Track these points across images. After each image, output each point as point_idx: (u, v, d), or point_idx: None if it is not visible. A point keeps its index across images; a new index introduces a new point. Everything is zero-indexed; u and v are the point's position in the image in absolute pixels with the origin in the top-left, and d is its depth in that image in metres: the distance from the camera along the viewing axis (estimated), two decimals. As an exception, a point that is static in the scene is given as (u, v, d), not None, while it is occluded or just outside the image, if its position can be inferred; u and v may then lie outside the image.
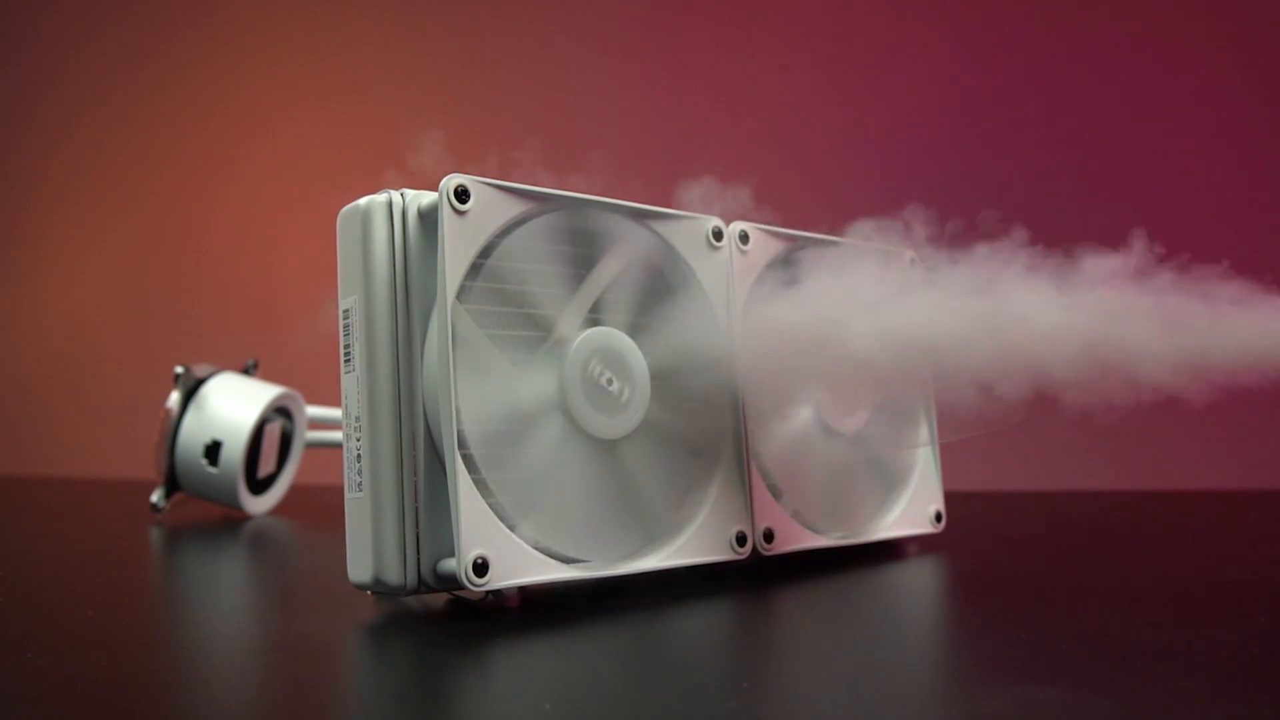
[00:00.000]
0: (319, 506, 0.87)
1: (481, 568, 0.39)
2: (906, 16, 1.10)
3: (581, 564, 0.43)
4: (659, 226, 0.47)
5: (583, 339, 0.43)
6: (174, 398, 0.80)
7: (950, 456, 0.58)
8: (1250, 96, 0.98)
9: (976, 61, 1.07)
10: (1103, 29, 1.02)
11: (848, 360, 0.42)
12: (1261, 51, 0.98)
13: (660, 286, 0.47)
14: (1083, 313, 0.38)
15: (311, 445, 0.88)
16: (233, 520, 0.80)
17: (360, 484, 0.41)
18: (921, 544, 0.58)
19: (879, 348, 0.41)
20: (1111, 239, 0.38)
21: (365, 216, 0.42)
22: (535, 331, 0.43)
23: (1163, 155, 1.00)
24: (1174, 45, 1.00)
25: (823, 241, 0.54)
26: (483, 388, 0.41)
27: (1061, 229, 0.38)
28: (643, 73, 1.20)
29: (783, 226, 0.52)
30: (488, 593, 0.42)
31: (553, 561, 0.42)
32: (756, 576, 0.49)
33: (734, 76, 1.18)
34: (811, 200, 1.06)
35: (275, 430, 0.83)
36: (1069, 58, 1.04)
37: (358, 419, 0.41)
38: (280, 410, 0.84)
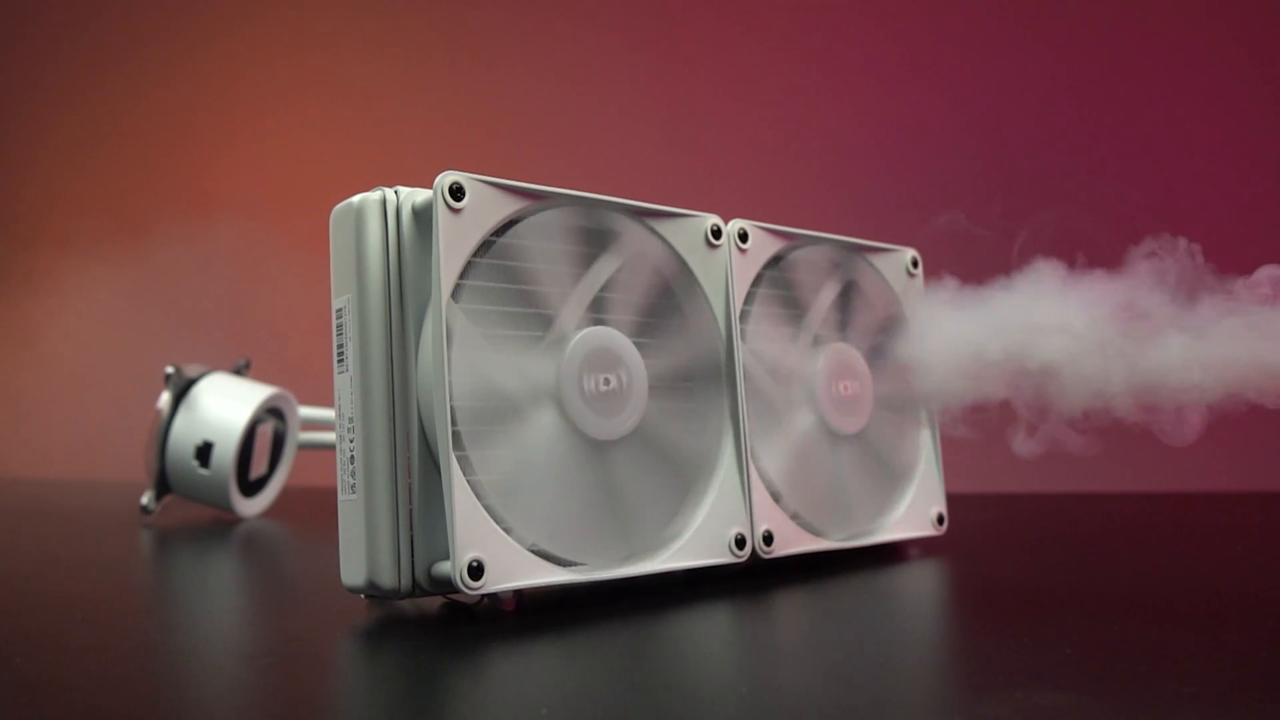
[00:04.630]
0: (312, 509, 0.87)
1: (477, 571, 0.38)
2: (916, 11, 1.09)
3: (578, 567, 0.42)
4: (657, 224, 0.47)
5: (579, 339, 0.43)
6: (164, 398, 0.79)
7: (952, 458, 0.58)
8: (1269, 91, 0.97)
9: (986, 56, 1.07)
10: (1120, 21, 1.01)
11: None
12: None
13: (658, 285, 0.47)
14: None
15: (304, 447, 0.87)
16: (224, 523, 0.79)
17: (354, 486, 0.40)
18: (923, 546, 0.58)
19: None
20: (1124, 236, 0.37)
21: (359, 214, 0.41)
22: (532, 331, 0.42)
23: (1179, 152, 1.00)
24: (1191, 39, 1.00)
25: (822, 240, 0.54)
26: (478, 388, 0.40)
27: (1073, 227, 0.38)
28: (644, 68, 1.20)
29: (784, 225, 0.52)
30: (483, 596, 0.42)
31: (549, 564, 0.41)
32: (755, 579, 0.48)
33: (738, 71, 1.17)
34: (817, 197, 1.06)
35: (267, 431, 0.83)
36: (1082, 50, 1.04)
37: (351, 420, 0.41)
38: (272, 411, 0.83)
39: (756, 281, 0.50)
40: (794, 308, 0.53)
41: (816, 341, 0.53)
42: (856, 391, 0.53)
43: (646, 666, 0.35)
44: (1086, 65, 1.03)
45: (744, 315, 0.49)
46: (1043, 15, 1.05)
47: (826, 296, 0.53)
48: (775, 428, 0.50)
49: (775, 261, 0.52)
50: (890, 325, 0.56)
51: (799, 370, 0.51)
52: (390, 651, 0.38)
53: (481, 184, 0.41)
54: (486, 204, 0.41)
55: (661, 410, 0.45)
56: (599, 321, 0.44)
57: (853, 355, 0.54)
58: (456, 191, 0.40)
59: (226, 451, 0.78)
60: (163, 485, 0.80)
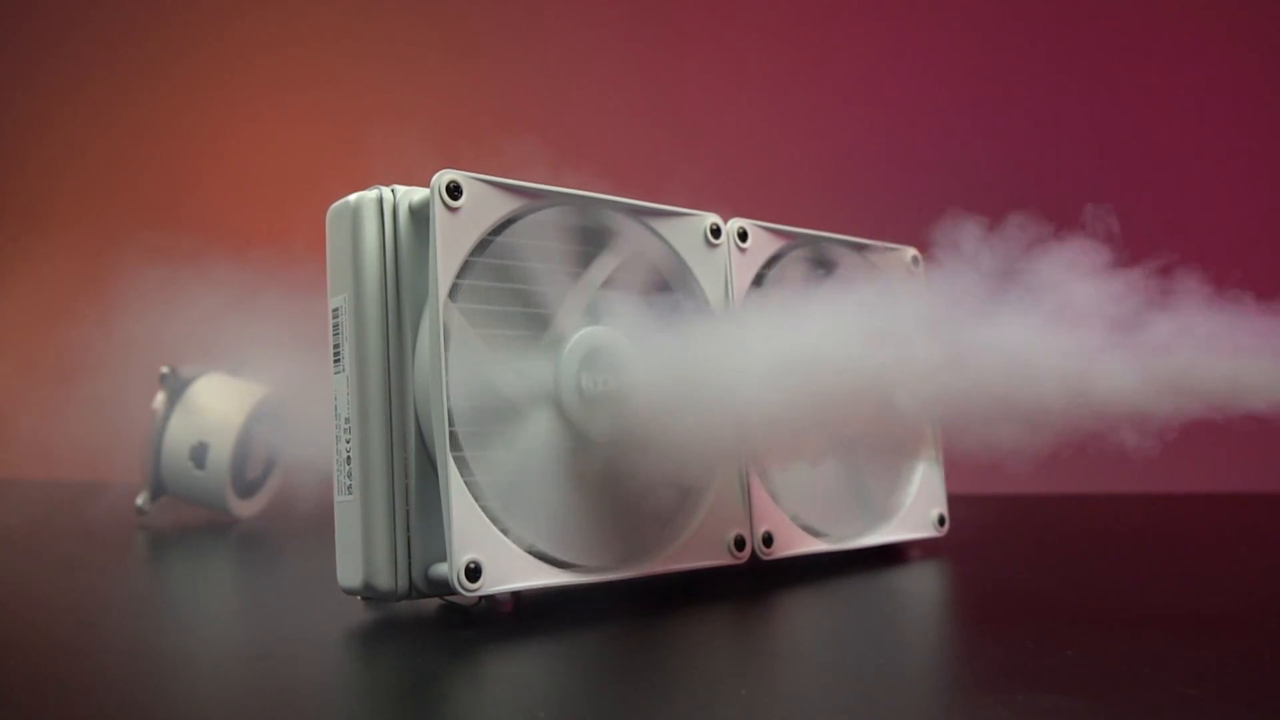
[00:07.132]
0: (308, 510, 0.86)
1: (474, 572, 0.38)
2: (918, 9, 1.09)
3: (576, 568, 0.42)
4: (656, 224, 0.46)
5: (578, 338, 0.43)
6: (160, 399, 0.79)
7: (953, 458, 0.58)
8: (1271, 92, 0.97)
9: (985, 51, 1.06)
10: (1124, 20, 1.01)
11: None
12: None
13: (657, 285, 0.47)
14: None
15: (301, 447, 0.87)
16: (220, 524, 0.79)
17: (350, 487, 0.40)
18: (924, 548, 0.57)
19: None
20: (1122, 239, 0.37)
21: (355, 213, 0.41)
22: (530, 330, 0.42)
23: (1180, 150, 0.99)
24: (1194, 37, 0.99)
25: (822, 239, 0.53)
26: (476, 388, 0.40)
27: (1070, 226, 0.38)
28: (641, 62, 1.19)
29: (783, 224, 0.52)
30: (480, 598, 0.41)
31: (547, 566, 0.41)
32: (755, 581, 0.48)
33: (735, 67, 1.17)
34: (814, 196, 1.06)
35: (263, 432, 0.82)
36: (1083, 48, 1.03)
37: (347, 420, 0.40)
38: (268, 412, 0.83)
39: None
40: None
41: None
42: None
43: (645, 668, 0.35)
44: (1091, 65, 1.03)
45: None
46: (1046, 14, 1.05)
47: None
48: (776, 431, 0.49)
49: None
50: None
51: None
52: (387, 654, 0.37)
53: (479, 183, 0.41)
54: (484, 203, 0.41)
55: (660, 411, 0.45)
56: (597, 321, 0.44)
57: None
58: (454, 190, 0.40)
59: (222, 452, 0.78)
60: (158, 486, 0.80)
